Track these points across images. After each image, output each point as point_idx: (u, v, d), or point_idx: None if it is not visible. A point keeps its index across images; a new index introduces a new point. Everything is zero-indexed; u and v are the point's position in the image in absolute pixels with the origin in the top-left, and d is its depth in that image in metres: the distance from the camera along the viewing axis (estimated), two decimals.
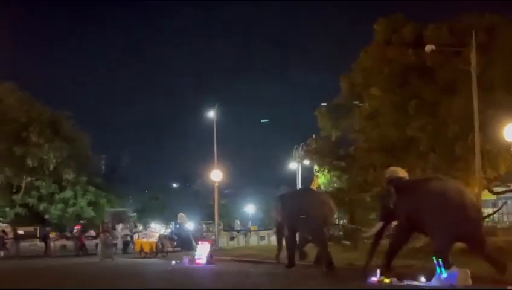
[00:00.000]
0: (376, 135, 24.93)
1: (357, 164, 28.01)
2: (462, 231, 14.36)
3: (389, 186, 16.51)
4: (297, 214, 19.86)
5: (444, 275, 13.92)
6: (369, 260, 16.80)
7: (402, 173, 16.92)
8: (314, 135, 35.14)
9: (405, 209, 15.56)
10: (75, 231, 38.20)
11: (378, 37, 25.61)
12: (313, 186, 42.52)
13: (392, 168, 17.32)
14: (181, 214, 35.23)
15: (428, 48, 21.63)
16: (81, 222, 47.87)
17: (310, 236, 20.78)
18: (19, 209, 55.74)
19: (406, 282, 14.43)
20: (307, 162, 44.24)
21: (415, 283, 14.29)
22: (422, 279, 14.33)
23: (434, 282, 14.03)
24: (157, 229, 30.97)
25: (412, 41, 24.13)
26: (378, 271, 15.12)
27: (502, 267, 14.34)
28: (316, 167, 35.88)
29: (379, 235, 17.59)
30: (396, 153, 24.27)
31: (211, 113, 45.00)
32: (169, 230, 31.60)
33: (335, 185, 32.31)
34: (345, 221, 32.78)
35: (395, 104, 23.62)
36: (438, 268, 14.06)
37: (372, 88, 24.74)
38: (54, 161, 55.15)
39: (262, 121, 69.83)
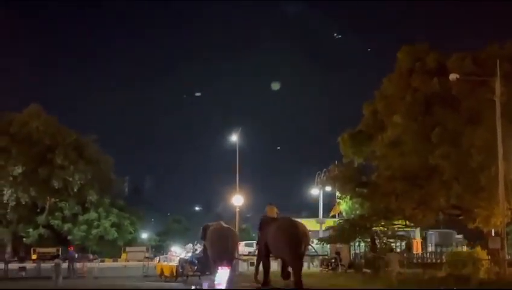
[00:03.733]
0: (398, 162, 24.81)
1: (379, 191, 27.84)
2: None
3: None
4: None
5: None
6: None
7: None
8: (336, 162, 35.08)
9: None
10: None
11: (401, 65, 25.61)
12: (334, 213, 42.38)
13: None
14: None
15: (453, 76, 21.53)
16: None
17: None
18: (42, 230, 56.29)
19: None
20: (328, 188, 44.06)
21: None
22: None
23: None
24: (177, 252, 30.86)
25: (435, 70, 24.09)
26: None
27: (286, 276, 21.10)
28: (338, 194, 35.74)
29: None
30: (419, 181, 24.12)
31: (234, 137, 45.14)
32: (189, 254, 31.44)
33: (357, 211, 32.16)
34: (366, 249, 32.56)
35: (417, 132, 23.52)
36: None
37: (394, 116, 24.68)
38: (78, 182, 55.80)
39: (278, 148, 70.10)
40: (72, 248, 42.13)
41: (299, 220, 23.76)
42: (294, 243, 21.79)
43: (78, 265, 34.91)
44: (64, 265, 35.49)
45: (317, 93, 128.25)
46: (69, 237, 55.97)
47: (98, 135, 61.16)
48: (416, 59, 25.09)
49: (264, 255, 22.66)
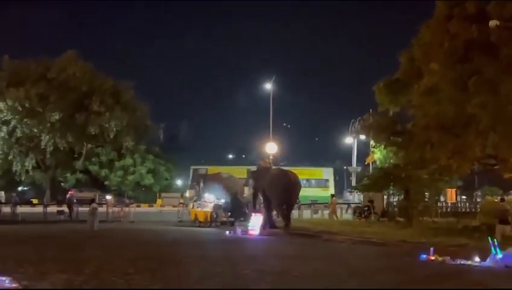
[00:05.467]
0: (434, 111, 24.38)
1: (414, 141, 27.57)
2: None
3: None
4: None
5: (499, 255, 13.76)
6: None
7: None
8: (371, 110, 34.82)
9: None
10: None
11: (440, 11, 24.89)
12: (369, 161, 42.35)
13: None
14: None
15: (493, 23, 20.92)
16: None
17: None
18: (79, 175, 57.53)
19: (460, 261, 14.25)
20: (363, 137, 43.93)
21: (469, 262, 14.10)
22: (477, 259, 14.13)
23: (488, 262, 13.86)
24: (210, 199, 31.25)
25: (474, 16, 23.38)
26: (431, 249, 15.01)
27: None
28: (372, 143, 35.61)
29: None
30: (455, 131, 23.75)
31: (268, 86, 45.06)
32: (223, 200, 31.87)
33: (391, 161, 32.03)
34: (400, 198, 32.55)
35: (455, 80, 22.99)
36: (493, 248, 13.89)
37: (431, 63, 24.15)
38: (114, 129, 56.49)
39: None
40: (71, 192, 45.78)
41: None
42: (285, 190, 26.71)
43: (115, 209, 35.77)
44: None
45: (351, 42, 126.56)
46: (106, 183, 57.17)
47: (135, 82, 61.63)
48: (455, 4, 24.36)
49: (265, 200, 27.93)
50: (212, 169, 39.47)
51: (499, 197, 30.50)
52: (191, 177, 49.73)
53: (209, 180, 34.75)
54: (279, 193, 26.96)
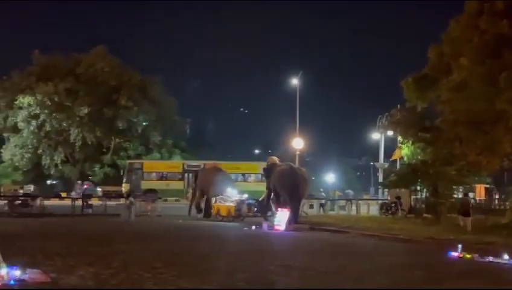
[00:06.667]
0: (463, 107, 24.13)
1: (442, 137, 27.35)
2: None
3: None
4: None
5: None
6: None
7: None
8: (399, 106, 34.58)
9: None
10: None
11: (470, 6, 24.61)
12: (395, 158, 42.06)
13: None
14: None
15: None
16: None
17: None
18: (107, 169, 58.11)
19: (488, 259, 14.08)
20: (390, 133, 43.63)
21: (498, 260, 13.92)
22: (506, 257, 13.95)
23: None
24: (232, 194, 31.41)
25: (504, 11, 23.06)
26: (459, 246, 14.86)
27: None
28: (399, 138, 35.37)
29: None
30: (484, 127, 23.48)
31: (294, 81, 45.01)
32: (246, 195, 32.03)
33: (419, 157, 31.78)
34: (427, 194, 32.30)
35: (484, 75, 22.70)
36: None
37: (461, 59, 23.88)
38: (142, 123, 56.95)
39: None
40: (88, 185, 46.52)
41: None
42: (293, 186, 27.06)
43: (142, 203, 35.99)
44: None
45: (379, 37, 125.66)
46: None
47: (162, 76, 62.04)
48: (485, 0, 24.10)
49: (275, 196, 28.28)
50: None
51: None
52: (126, 172, 50.07)
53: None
54: (287, 189, 27.19)
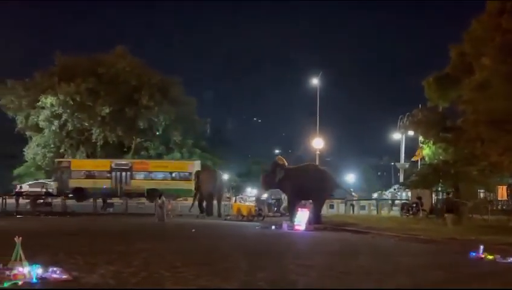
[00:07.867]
0: (485, 106, 23.91)
1: (464, 137, 27.14)
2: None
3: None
4: None
5: None
6: None
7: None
8: (420, 106, 34.36)
9: None
10: None
11: (491, 6, 24.40)
12: (417, 159, 41.81)
13: None
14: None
15: None
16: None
17: None
18: None
19: (510, 260, 13.94)
20: (411, 133, 43.40)
21: None
22: None
23: None
24: (252, 194, 31.55)
25: None
26: (481, 247, 14.73)
27: None
28: (420, 138, 35.16)
29: None
30: (506, 126, 23.25)
31: (315, 81, 44.98)
32: (266, 195, 32.09)
33: (440, 157, 31.56)
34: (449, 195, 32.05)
35: (507, 75, 22.49)
36: None
37: (483, 58, 23.68)
38: (162, 123, 57.20)
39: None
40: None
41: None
42: (300, 187, 26.50)
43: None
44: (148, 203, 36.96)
45: (400, 37, 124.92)
46: None
47: (182, 77, 62.24)
48: None
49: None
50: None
51: None
52: (54, 170, 50.30)
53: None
54: (293, 189, 27.03)
